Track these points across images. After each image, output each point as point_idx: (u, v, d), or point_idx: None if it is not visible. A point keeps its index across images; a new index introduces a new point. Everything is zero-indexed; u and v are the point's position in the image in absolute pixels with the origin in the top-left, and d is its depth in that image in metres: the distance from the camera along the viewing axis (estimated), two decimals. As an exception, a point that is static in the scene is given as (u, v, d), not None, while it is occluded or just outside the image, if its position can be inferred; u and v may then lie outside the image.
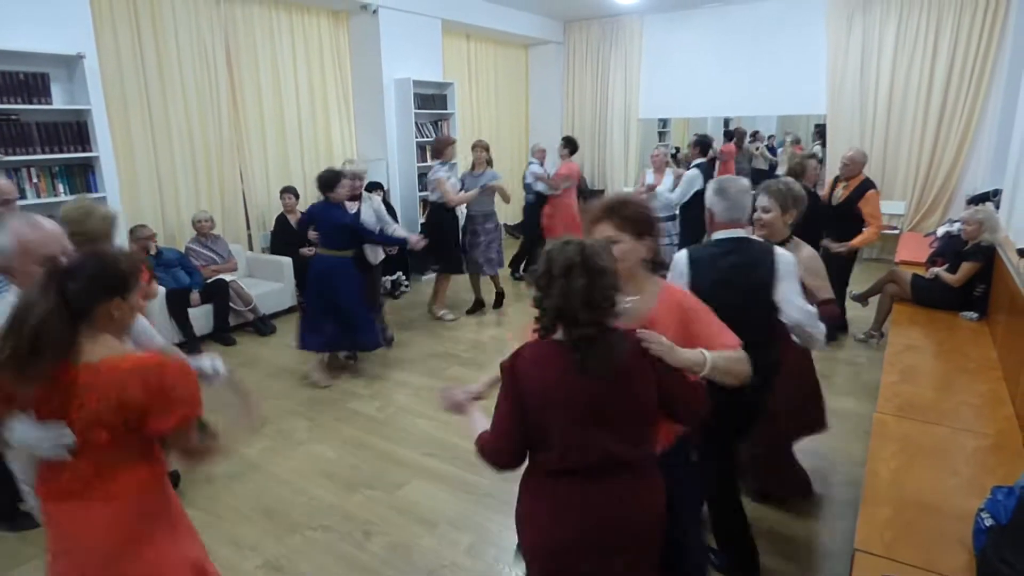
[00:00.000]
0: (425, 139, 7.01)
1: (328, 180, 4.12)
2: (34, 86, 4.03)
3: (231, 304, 5.22)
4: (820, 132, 8.60)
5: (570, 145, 6.50)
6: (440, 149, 5.48)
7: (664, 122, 10.86)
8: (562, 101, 9.74)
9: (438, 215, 5.53)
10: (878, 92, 7.18)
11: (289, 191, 5.81)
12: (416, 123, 6.84)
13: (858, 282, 5.14)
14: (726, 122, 11.72)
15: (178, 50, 5.33)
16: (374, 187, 5.73)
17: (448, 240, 5.52)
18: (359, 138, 6.98)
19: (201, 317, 4.99)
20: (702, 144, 6.19)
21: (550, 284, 1.44)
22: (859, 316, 5.07)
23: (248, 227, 6.20)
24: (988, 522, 1.80)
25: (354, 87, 6.94)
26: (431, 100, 7.08)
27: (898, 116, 7.14)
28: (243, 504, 3.01)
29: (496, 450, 1.54)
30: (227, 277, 5.27)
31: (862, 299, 4.96)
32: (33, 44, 3.98)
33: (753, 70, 7.98)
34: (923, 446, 2.52)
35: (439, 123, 7.31)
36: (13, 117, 3.95)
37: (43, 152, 4.08)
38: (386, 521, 2.86)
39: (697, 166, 5.89)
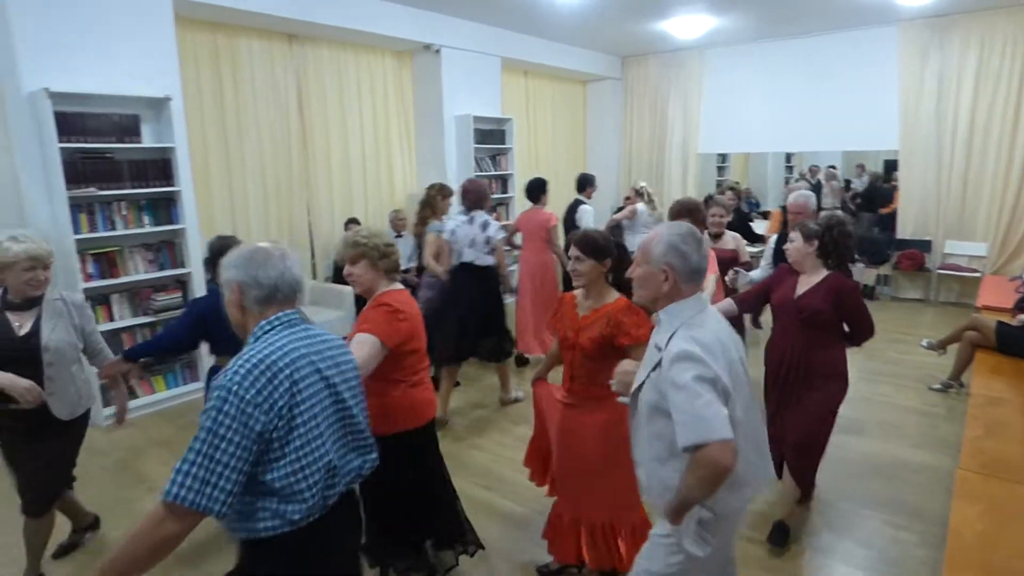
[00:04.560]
0: (484, 173, 7.14)
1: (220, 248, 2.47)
2: (126, 127, 4.34)
3: (295, 332, 5.37)
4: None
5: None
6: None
7: (723, 156, 10.73)
8: (620, 136, 9.76)
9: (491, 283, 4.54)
10: (957, 127, 6.87)
11: (353, 222, 6.04)
12: (475, 158, 7.00)
13: (935, 328, 4.88)
14: (788, 157, 11.48)
15: (254, 90, 5.64)
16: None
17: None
18: (419, 173, 7.17)
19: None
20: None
21: None
22: (937, 364, 4.80)
23: (312, 256, 6.42)
24: (1092, 601, 1.65)
25: (416, 123, 7.15)
26: (490, 135, 7.23)
27: (979, 152, 6.80)
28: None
29: None
30: (292, 306, 5.44)
31: (939, 347, 4.69)
32: (128, 88, 4.28)
33: (816, 104, 7.80)
34: (1013, 508, 2.34)
35: (497, 158, 7.43)
36: (108, 155, 4.25)
37: (132, 187, 4.36)
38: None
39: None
